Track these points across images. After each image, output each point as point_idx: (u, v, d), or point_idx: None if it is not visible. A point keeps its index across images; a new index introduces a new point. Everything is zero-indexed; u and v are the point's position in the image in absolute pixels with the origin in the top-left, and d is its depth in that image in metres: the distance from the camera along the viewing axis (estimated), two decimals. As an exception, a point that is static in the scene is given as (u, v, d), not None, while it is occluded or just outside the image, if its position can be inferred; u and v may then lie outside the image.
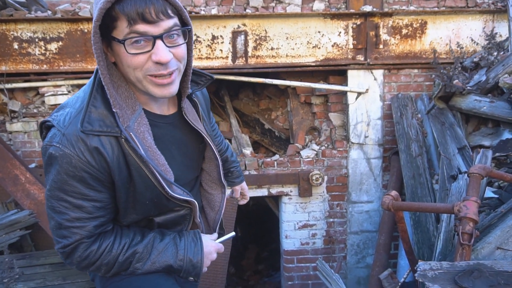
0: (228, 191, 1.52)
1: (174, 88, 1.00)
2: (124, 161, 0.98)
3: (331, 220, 3.78)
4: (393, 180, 3.45)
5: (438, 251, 2.06)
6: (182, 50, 0.98)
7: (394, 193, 2.27)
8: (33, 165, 3.51)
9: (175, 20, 0.94)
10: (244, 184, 1.79)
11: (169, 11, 0.92)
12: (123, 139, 0.96)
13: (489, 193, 2.35)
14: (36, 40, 3.44)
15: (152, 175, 1.02)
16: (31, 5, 3.61)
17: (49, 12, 3.48)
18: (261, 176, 3.59)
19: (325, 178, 3.67)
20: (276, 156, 3.77)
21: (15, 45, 3.44)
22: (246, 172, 3.59)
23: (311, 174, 3.53)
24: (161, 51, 0.91)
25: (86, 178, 0.94)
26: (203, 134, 1.18)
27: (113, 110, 0.95)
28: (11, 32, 3.41)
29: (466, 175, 2.33)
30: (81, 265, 1.04)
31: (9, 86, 3.50)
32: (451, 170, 2.60)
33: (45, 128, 1.00)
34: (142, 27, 0.89)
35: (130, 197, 1.03)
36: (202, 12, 3.50)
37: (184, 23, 0.98)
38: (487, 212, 2.13)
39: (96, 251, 1.03)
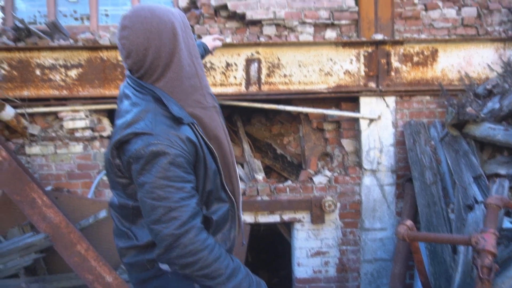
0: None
1: None
2: (199, 143, 1.21)
3: (344, 247, 3.72)
4: (407, 208, 3.41)
5: (456, 284, 2.01)
6: None
7: (409, 222, 2.24)
8: (49, 188, 3.58)
9: None
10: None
11: None
12: (196, 125, 1.22)
13: (507, 223, 2.31)
14: (58, 66, 3.58)
15: (212, 151, 1.27)
16: (54, 33, 3.77)
17: (71, 41, 3.63)
18: (273, 202, 3.58)
19: (338, 204, 3.64)
20: (289, 182, 3.77)
21: (38, 72, 3.58)
22: (258, 198, 3.60)
23: (323, 200, 3.51)
24: None
25: (183, 162, 1.14)
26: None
27: (180, 103, 1.24)
28: (35, 59, 3.56)
29: (482, 205, 2.30)
30: (186, 249, 1.13)
31: (30, 110, 3.61)
32: (467, 200, 2.56)
33: (121, 144, 1.18)
34: None
35: (205, 173, 1.24)
36: (217, 41, 3.60)
37: None
38: (506, 244, 2.09)
39: (203, 241, 1.15)
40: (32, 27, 3.71)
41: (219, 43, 1.89)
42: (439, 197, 3.01)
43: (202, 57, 2.06)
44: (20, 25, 3.59)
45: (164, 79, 1.22)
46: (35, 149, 3.65)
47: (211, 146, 1.26)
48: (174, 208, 1.12)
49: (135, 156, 1.14)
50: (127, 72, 1.31)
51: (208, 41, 2.12)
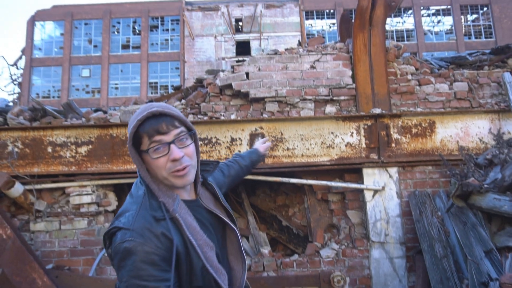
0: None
1: (189, 177, 1.27)
2: (181, 238, 1.19)
3: (357, 328, 3.49)
4: (420, 283, 3.26)
5: None
6: (190, 149, 1.27)
7: (423, 303, 2.14)
8: (50, 266, 3.50)
9: (181, 128, 1.25)
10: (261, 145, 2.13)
11: (176, 123, 1.24)
12: (179, 221, 1.19)
13: (526, 303, 2.20)
14: (69, 144, 3.72)
15: (194, 247, 1.21)
16: (68, 112, 3.98)
17: (83, 119, 3.82)
18: (280, 278, 3.45)
19: (347, 279, 3.50)
20: (295, 256, 3.67)
21: (49, 149, 3.71)
22: (265, 274, 3.48)
23: (332, 275, 3.39)
24: (175, 151, 1.21)
25: (156, 260, 1.11)
26: (219, 215, 1.37)
27: (159, 200, 1.22)
28: (47, 137, 3.71)
29: (497, 283, 2.22)
30: None
31: (38, 186, 3.68)
32: (481, 276, 2.47)
33: (109, 236, 1.18)
34: (158, 138, 1.20)
35: (188, 269, 1.19)
36: (222, 118, 3.77)
37: (189, 129, 1.29)
38: (528, 327, 1.97)
39: None
40: (47, 107, 3.94)
41: (268, 144, 2.05)
42: (452, 272, 2.90)
43: (256, 162, 2.09)
44: (37, 106, 3.81)
45: (148, 176, 1.24)
46: (39, 226, 3.63)
47: (194, 243, 1.20)
48: None
49: (114, 251, 1.14)
50: None
51: (258, 146, 2.18)
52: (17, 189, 3.52)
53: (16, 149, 3.67)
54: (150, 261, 1.10)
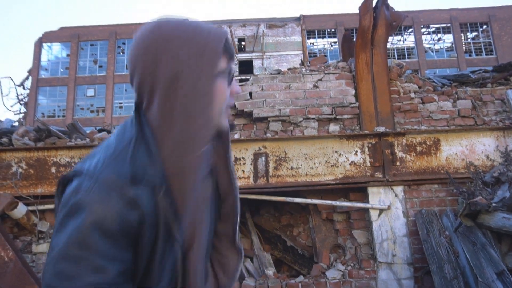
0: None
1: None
2: (158, 214, 0.79)
3: None
4: (430, 306, 3.17)
5: None
6: None
7: (434, 328, 2.07)
8: (51, 289, 3.44)
9: None
10: None
11: None
12: (164, 191, 0.79)
13: (541, 327, 2.12)
14: (73, 164, 3.71)
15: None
16: (72, 133, 4.00)
17: (87, 140, 3.84)
18: (285, 301, 3.37)
19: (354, 302, 3.41)
20: (301, 278, 3.59)
21: (53, 169, 3.70)
22: (269, 296, 3.40)
23: (338, 298, 3.30)
24: (236, 85, 0.94)
25: (116, 232, 0.74)
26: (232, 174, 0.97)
27: (153, 152, 0.80)
28: (51, 158, 3.72)
29: (511, 306, 2.14)
30: None
31: (41, 207, 3.66)
32: (493, 299, 2.40)
33: (65, 182, 0.80)
34: (233, 64, 0.90)
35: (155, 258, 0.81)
36: (226, 137, 3.77)
37: None
38: None
39: None
40: (52, 127, 3.96)
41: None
42: (463, 294, 2.82)
43: None
44: (42, 126, 3.84)
45: (152, 107, 0.82)
46: (42, 247, 3.60)
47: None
48: None
49: (62, 202, 0.77)
50: None
51: None
52: (20, 210, 3.50)
53: (20, 170, 3.67)
54: (107, 231, 0.73)
